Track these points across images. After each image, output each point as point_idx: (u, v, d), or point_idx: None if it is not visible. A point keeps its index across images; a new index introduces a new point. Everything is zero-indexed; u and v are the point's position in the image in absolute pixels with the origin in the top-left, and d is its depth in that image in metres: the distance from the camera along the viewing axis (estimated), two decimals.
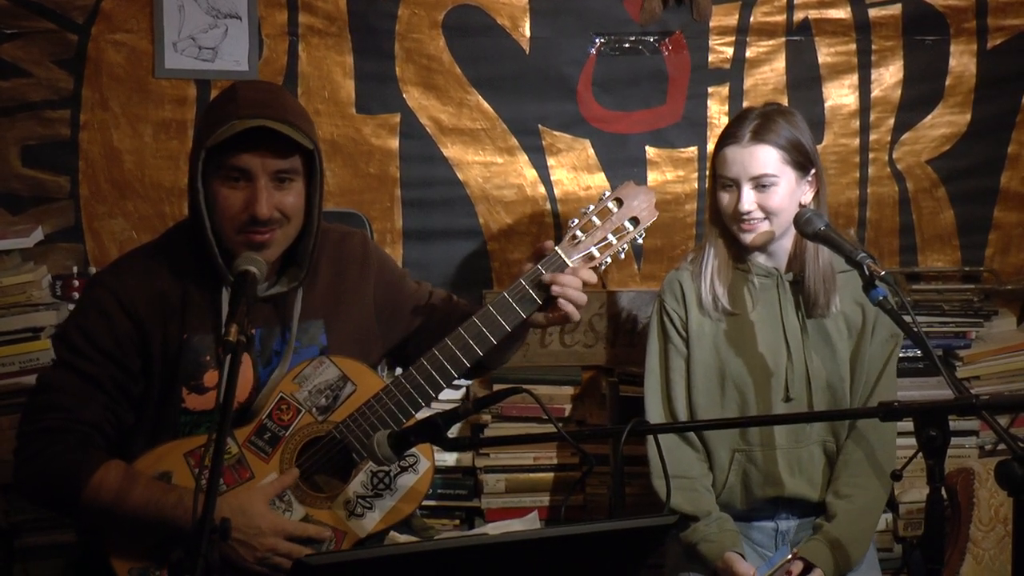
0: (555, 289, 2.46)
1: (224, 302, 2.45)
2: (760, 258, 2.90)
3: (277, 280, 2.52)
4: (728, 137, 2.83)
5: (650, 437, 2.91)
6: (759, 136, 2.79)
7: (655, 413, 2.94)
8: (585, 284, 2.49)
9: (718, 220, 2.90)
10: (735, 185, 2.80)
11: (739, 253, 2.91)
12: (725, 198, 2.83)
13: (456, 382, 2.80)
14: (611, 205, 2.53)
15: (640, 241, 2.56)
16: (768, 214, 2.80)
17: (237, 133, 2.35)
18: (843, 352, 2.88)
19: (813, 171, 2.85)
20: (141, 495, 2.34)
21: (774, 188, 2.79)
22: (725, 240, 2.90)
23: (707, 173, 2.93)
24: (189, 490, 2.33)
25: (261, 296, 2.47)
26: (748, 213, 2.79)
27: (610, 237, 2.52)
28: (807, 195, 2.85)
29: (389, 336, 2.70)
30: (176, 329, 2.46)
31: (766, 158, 2.78)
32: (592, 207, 2.53)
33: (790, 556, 2.71)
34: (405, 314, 2.71)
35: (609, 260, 2.53)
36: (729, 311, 2.88)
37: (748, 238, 2.83)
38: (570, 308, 2.47)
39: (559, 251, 2.49)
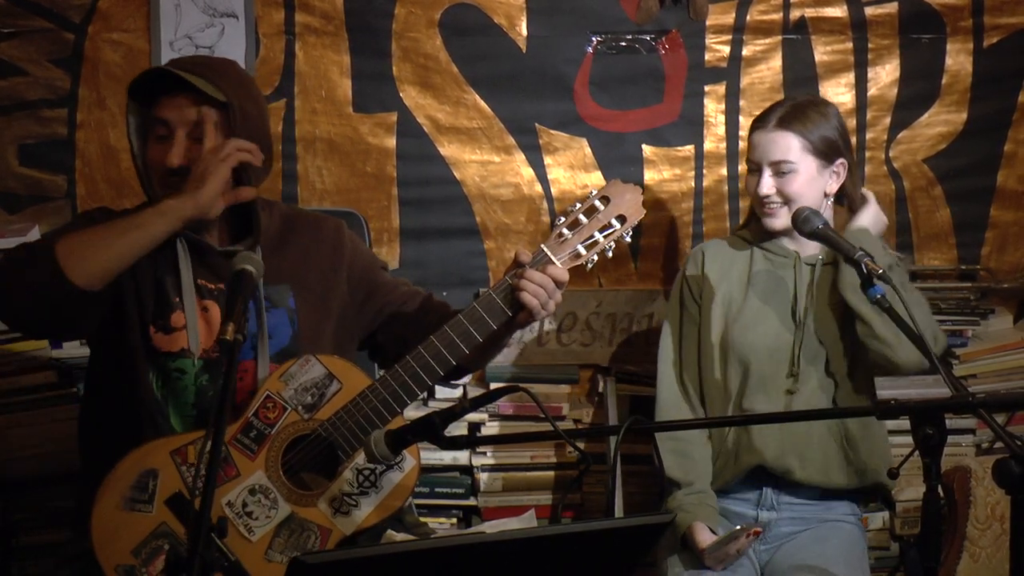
0: (514, 282, 2.47)
1: (180, 253, 2.52)
2: (784, 240, 2.97)
3: (232, 242, 2.59)
4: (757, 121, 2.93)
5: (659, 386, 2.98)
6: (783, 123, 2.87)
7: (666, 373, 2.99)
8: (558, 283, 2.50)
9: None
10: (758, 169, 2.89)
11: (762, 232, 2.98)
12: (751, 182, 2.92)
13: (445, 383, 2.82)
14: (598, 203, 2.53)
15: (628, 239, 2.56)
16: (786, 200, 2.88)
17: (154, 81, 2.51)
18: (852, 335, 2.89)
19: (840, 160, 2.91)
20: (114, 221, 2.46)
21: (792, 175, 2.86)
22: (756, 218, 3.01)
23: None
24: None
25: (220, 250, 2.55)
26: (767, 197, 2.88)
27: (597, 235, 2.52)
28: (831, 185, 2.92)
29: (360, 321, 2.72)
30: (150, 269, 2.51)
31: (786, 145, 2.86)
32: (579, 205, 2.53)
33: (740, 527, 2.72)
34: (378, 300, 2.73)
35: (596, 258, 2.53)
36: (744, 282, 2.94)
37: (769, 223, 2.92)
38: (531, 302, 2.46)
39: (545, 249, 2.49)
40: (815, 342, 2.89)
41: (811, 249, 2.94)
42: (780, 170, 2.86)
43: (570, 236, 2.52)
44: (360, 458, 2.44)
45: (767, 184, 2.87)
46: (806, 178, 2.86)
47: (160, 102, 2.52)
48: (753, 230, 3.02)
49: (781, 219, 2.89)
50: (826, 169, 2.89)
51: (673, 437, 2.93)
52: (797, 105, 2.91)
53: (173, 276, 2.52)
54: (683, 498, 2.85)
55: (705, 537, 2.77)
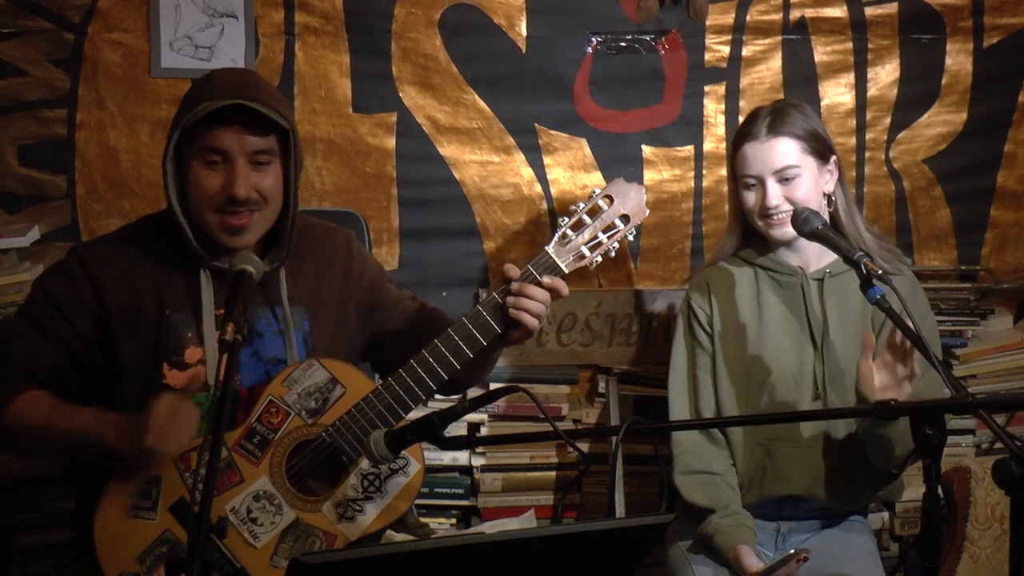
0: (509, 299, 2.46)
1: (203, 284, 2.48)
2: (785, 255, 2.89)
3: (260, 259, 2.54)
4: (744, 136, 2.84)
5: (673, 433, 2.92)
6: (775, 129, 2.80)
7: (680, 412, 2.92)
8: (559, 297, 2.48)
9: (741, 220, 2.90)
10: (759, 182, 2.80)
11: (762, 250, 2.91)
12: (751, 197, 2.83)
13: (444, 395, 2.80)
14: (601, 203, 2.52)
15: (631, 238, 2.55)
16: (795, 206, 2.77)
17: (213, 113, 2.39)
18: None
19: (833, 158, 2.86)
20: (71, 421, 2.38)
21: (798, 179, 2.79)
22: (747, 239, 2.92)
23: (727, 175, 2.95)
24: (125, 417, 2.34)
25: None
26: (776, 207, 2.79)
27: (600, 235, 2.50)
28: (829, 184, 2.86)
29: (363, 334, 2.71)
30: (154, 306, 2.48)
31: (786, 150, 2.79)
32: (582, 205, 2.51)
33: (793, 551, 2.69)
34: (383, 314, 2.72)
35: (600, 259, 2.52)
36: (752, 310, 2.88)
37: (779, 232, 2.81)
38: (531, 322, 2.46)
39: (550, 251, 2.48)
40: (836, 360, 2.83)
41: (816, 262, 2.87)
42: (784, 176, 2.78)
43: (574, 237, 2.50)
44: (365, 463, 2.43)
45: (775, 194, 2.78)
46: (811, 180, 2.80)
47: (215, 131, 2.42)
48: (753, 250, 2.92)
49: (791, 226, 2.78)
50: (824, 168, 2.84)
51: (696, 471, 2.85)
52: (777, 110, 2.83)
53: (183, 312, 2.49)
54: (719, 521, 2.79)
55: (753, 562, 2.71)
